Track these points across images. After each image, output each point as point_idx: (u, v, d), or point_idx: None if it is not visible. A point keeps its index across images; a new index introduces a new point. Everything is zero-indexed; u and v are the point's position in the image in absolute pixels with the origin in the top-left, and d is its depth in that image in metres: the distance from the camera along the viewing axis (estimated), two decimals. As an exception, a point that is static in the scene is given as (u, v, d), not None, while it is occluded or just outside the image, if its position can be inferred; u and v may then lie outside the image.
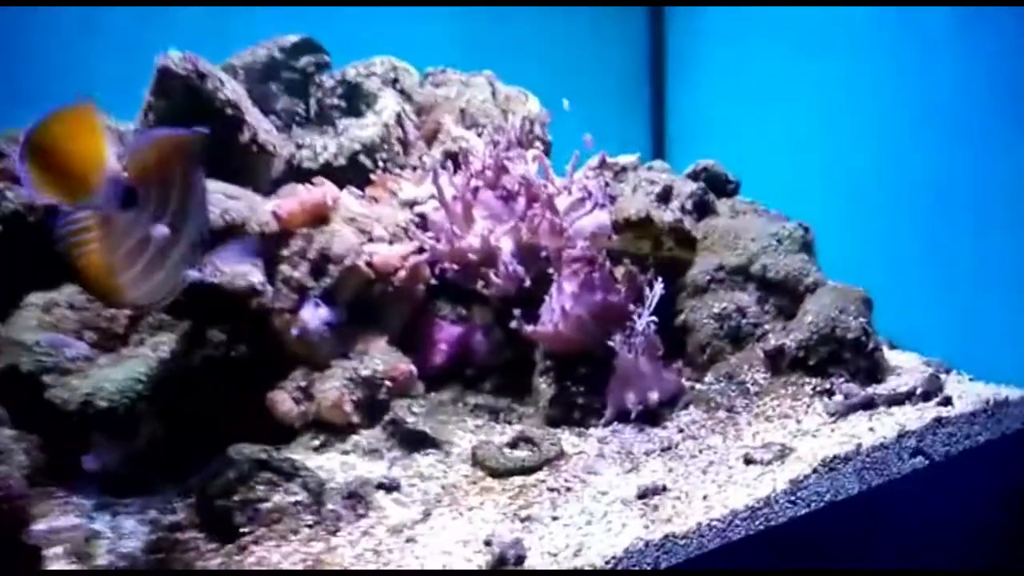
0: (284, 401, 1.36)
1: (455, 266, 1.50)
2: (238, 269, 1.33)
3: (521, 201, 1.55)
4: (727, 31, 2.43)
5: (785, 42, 2.25)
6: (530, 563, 1.03)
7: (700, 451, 1.30)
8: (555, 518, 1.14)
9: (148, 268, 0.97)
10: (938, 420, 1.37)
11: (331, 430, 1.37)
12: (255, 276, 1.35)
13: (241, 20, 1.97)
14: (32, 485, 1.17)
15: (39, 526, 1.15)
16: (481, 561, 1.04)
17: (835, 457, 1.25)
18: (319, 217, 1.45)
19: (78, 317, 1.31)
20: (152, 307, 1.14)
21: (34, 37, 1.88)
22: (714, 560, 1.10)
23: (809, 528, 1.19)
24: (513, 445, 1.32)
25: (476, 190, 1.53)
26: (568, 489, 1.21)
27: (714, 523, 1.12)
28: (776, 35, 2.27)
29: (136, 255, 0.96)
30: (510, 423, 1.44)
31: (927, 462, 1.31)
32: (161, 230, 0.94)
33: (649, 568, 1.06)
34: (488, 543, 1.07)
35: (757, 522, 1.15)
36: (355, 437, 1.36)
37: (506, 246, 1.50)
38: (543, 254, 1.50)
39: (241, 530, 1.12)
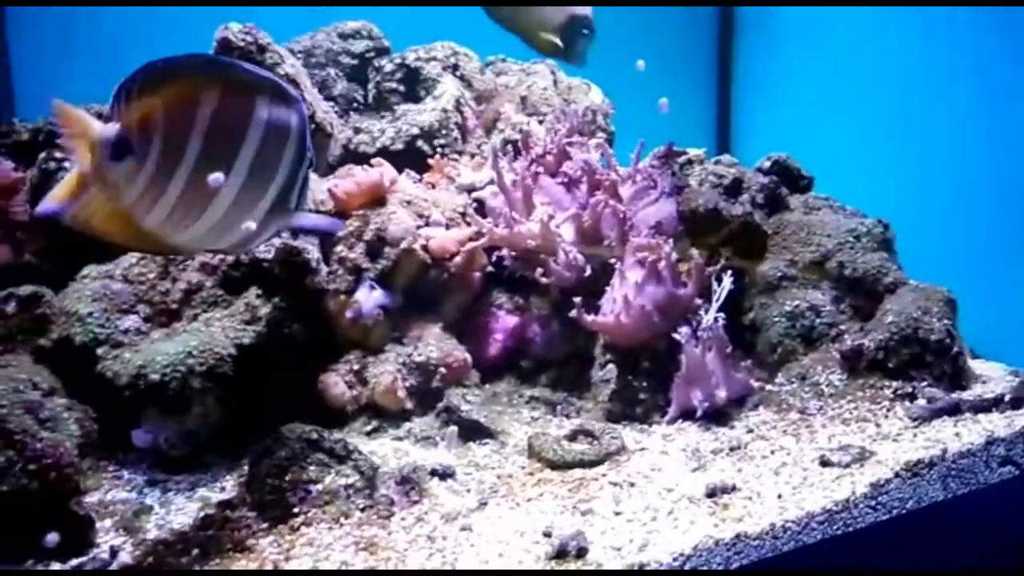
0: (337, 384, 1.32)
1: (513, 253, 1.45)
2: (292, 246, 1.31)
3: (583, 188, 1.49)
4: (797, 29, 2.36)
5: (856, 39, 2.17)
6: (592, 556, 0.97)
7: (772, 452, 1.23)
8: (618, 513, 1.07)
9: (185, 213, 0.93)
10: (1030, 427, 1.28)
11: (384, 416, 1.33)
12: (310, 254, 1.32)
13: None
14: (84, 456, 1.15)
15: (90, 498, 1.13)
16: (540, 552, 0.98)
17: (919, 462, 1.16)
18: (376, 198, 1.42)
19: (132, 291, 1.29)
20: (228, 252, 1.10)
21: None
22: (788, 563, 1.03)
23: (889, 536, 1.11)
24: (572, 438, 1.26)
25: (536, 175, 1.49)
26: (631, 484, 1.15)
27: (789, 525, 1.05)
28: (847, 32, 2.20)
29: (152, 200, 0.93)
30: (568, 416, 1.37)
31: (1016, 472, 1.22)
32: (216, 178, 0.91)
33: (720, 568, 1.00)
34: (548, 534, 1.01)
35: (835, 526, 1.08)
36: (408, 424, 1.32)
37: (567, 233, 1.45)
38: (606, 243, 1.45)
39: (293, 510, 1.08)
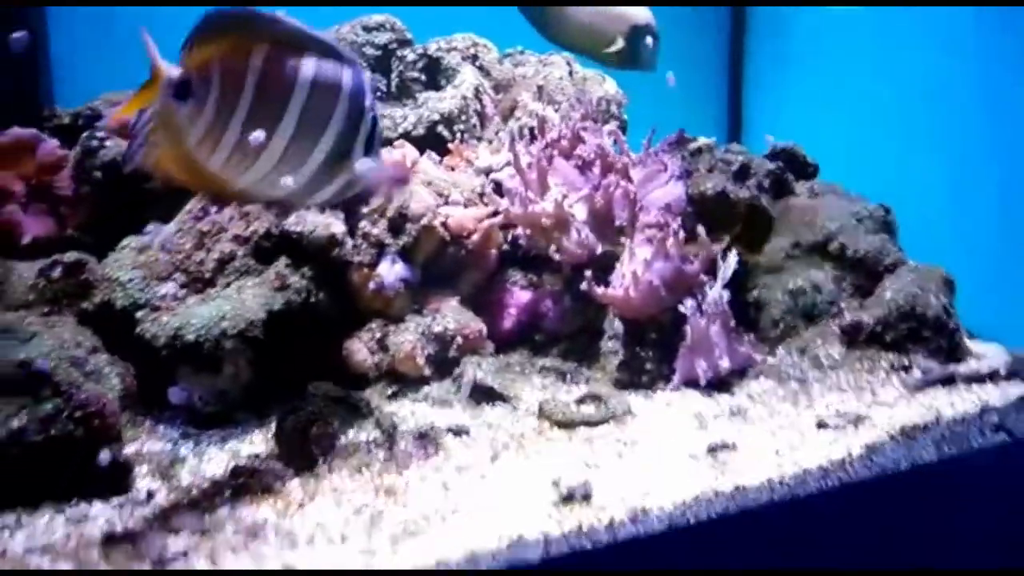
0: (360, 351, 1.40)
1: (528, 231, 1.52)
2: (319, 219, 1.38)
3: (596, 171, 1.56)
4: (808, 30, 2.41)
5: (864, 40, 2.22)
6: (596, 501, 1.03)
7: (771, 416, 1.29)
8: (622, 466, 1.14)
9: (242, 158, 1.00)
10: (1023, 399, 1.33)
11: (403, 381, 1.40)
12: (336, 227, 1.39)
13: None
14: (123, 410, 1.23)
15: (127, 449, 1.21)
16: (548, 497, 1.05)
17: (913, 426, 1.22)
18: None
19: (169, 259, 1.37)
20: (295, 203, 1.16)
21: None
22: (783, 514, 1.09)
23: (883, 495, 1.16)
24: (580, 401, 1.32)
25: (551, 158, 1.56)
26: (635, 442, 1.21)
27: (785, 480, 1.11)
28: (855, 34, 2.25)
29: (213, 144, 0.99)
30: (577, 384, 1.44)
31: (1010, 440, 1.27)
32: (257, 137, 0.98)
33: (717, 516, 1.05)
34: (555, 483, 1.08)
35: (830, 482, 1.13)
36: (426, 388, 1.39)
37: (579, 213, 1.52)
38: (617, 223, 1.51)
39: (318, 461, 1.16)
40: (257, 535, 0.99)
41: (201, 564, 0.92)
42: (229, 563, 0.92)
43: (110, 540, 0.96)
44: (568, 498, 1.03)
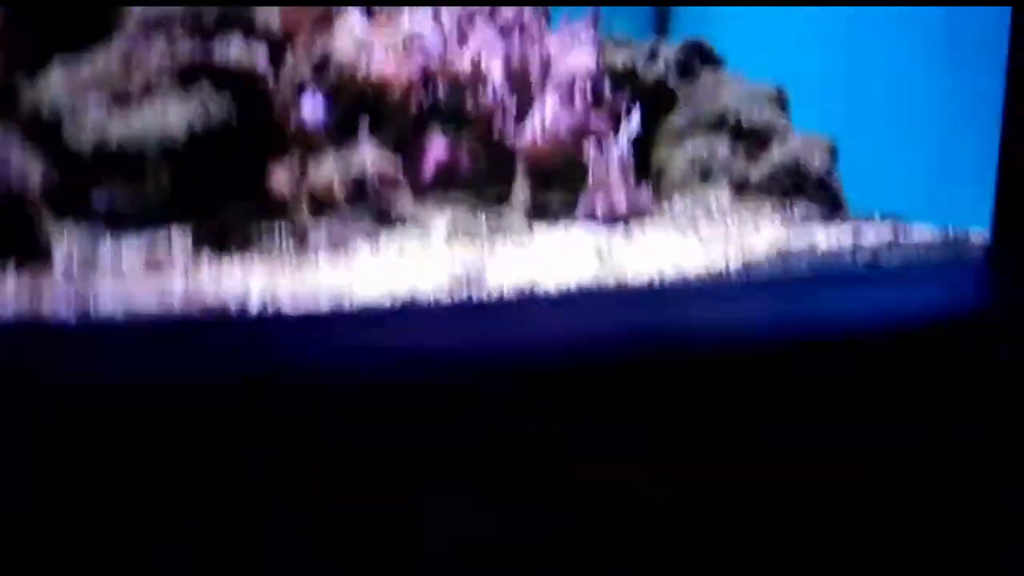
0: (280, 178, 1.46)
1: (447, 85, 1.60)
2: (243, 50, 1.44)
3: (515, 36, 1.65)
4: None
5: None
6: (490, 283, 1.13)
7: (660, 241, 1.40)
8: (517, 267, 1.23)
9: None
10: (895, 239, 1.46)
11: (321, 208, 1.47)
12: (260, 60, 1.46)
13: None
14: (45, 206, 1.28)
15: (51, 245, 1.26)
16: (448, 281, 1.13)
17: (790, 249, 1.34)
18: (324, 22, 1.56)
19: (97, 81, 1.41)
20: None
21: None
22: (657, 299, 1.19)
23: (754, 294, 1.27)
24: (489, 226, 1.42)
25: (472, 19, 1.64)
26: (532, 253, 1.32)
27: (665, 279, 1.22)
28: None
29: None
30: (487, 218, 1.53)
31: (880, 273, 1.40)
32: None
33: (599, 293, 1.15)
34: (454, 274, 1.16)
35: (706, 280, 1.25)
36: (342, 215, 1.46)
37: (496, 71, 1.61)
38: (530, 81, 1.61)
39: (232, 257, 1.23)
40: (164, 296, 1.06)
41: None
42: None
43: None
44: (465, 282, 1.13)
